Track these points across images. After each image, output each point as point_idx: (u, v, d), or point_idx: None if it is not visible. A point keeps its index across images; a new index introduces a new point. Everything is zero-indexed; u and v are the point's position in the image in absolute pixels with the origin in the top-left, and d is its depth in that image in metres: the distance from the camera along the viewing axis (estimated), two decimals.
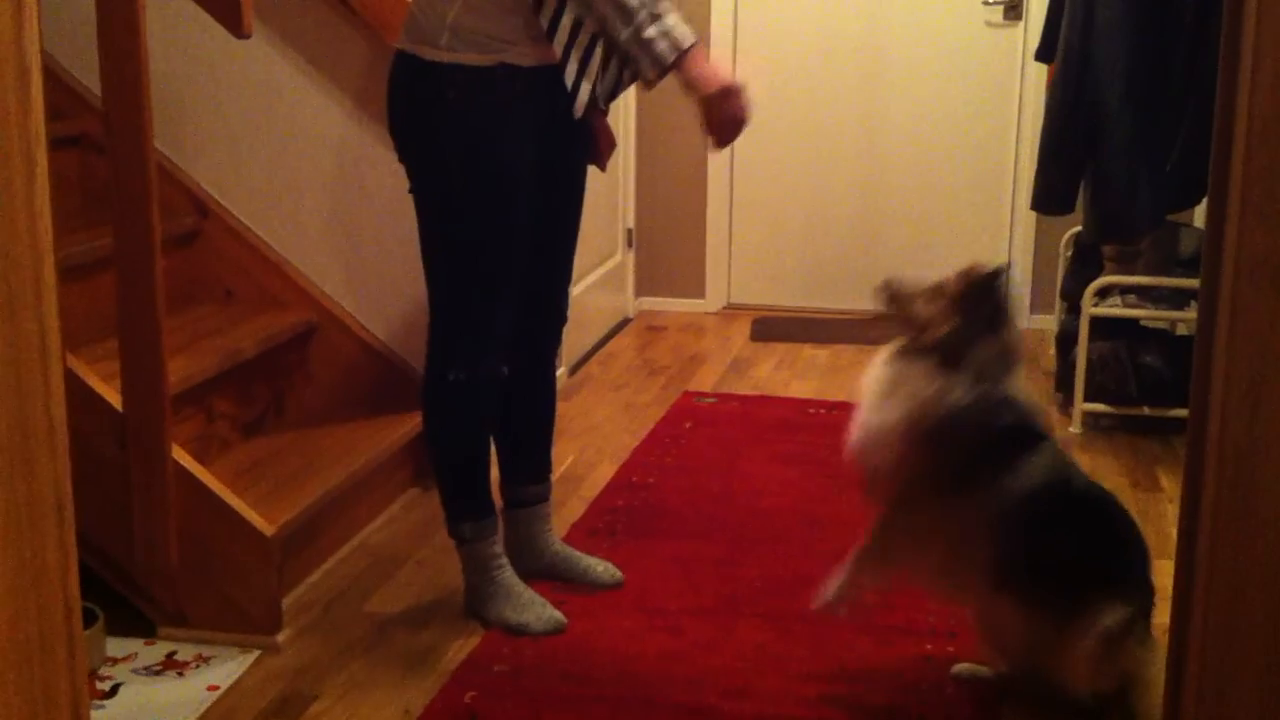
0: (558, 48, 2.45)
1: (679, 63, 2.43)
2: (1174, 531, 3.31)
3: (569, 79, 2.47)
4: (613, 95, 2.70)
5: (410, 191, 2.60)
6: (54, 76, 3.35)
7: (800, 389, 4.52)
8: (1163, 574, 2.98)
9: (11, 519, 1.23)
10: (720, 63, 5.38)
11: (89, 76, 3.27)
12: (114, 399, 2.59)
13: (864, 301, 6.35)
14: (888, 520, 2.35)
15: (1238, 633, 1.42)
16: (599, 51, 2.47)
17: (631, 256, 5.53)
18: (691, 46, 2.44)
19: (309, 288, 3.49)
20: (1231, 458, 1.37)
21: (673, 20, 2.43)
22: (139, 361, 2.54)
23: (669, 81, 2.50)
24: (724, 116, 2.49)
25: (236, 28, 2.61)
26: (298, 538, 2.82)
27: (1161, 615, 2.72)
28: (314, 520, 2.89)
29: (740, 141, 2.61)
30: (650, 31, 2.40)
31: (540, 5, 2.43)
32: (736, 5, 5.38)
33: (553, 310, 2.85)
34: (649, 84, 2.50)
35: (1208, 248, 1.42)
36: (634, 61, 2.46)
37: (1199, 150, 3.65)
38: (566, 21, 2.43)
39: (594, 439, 3.94)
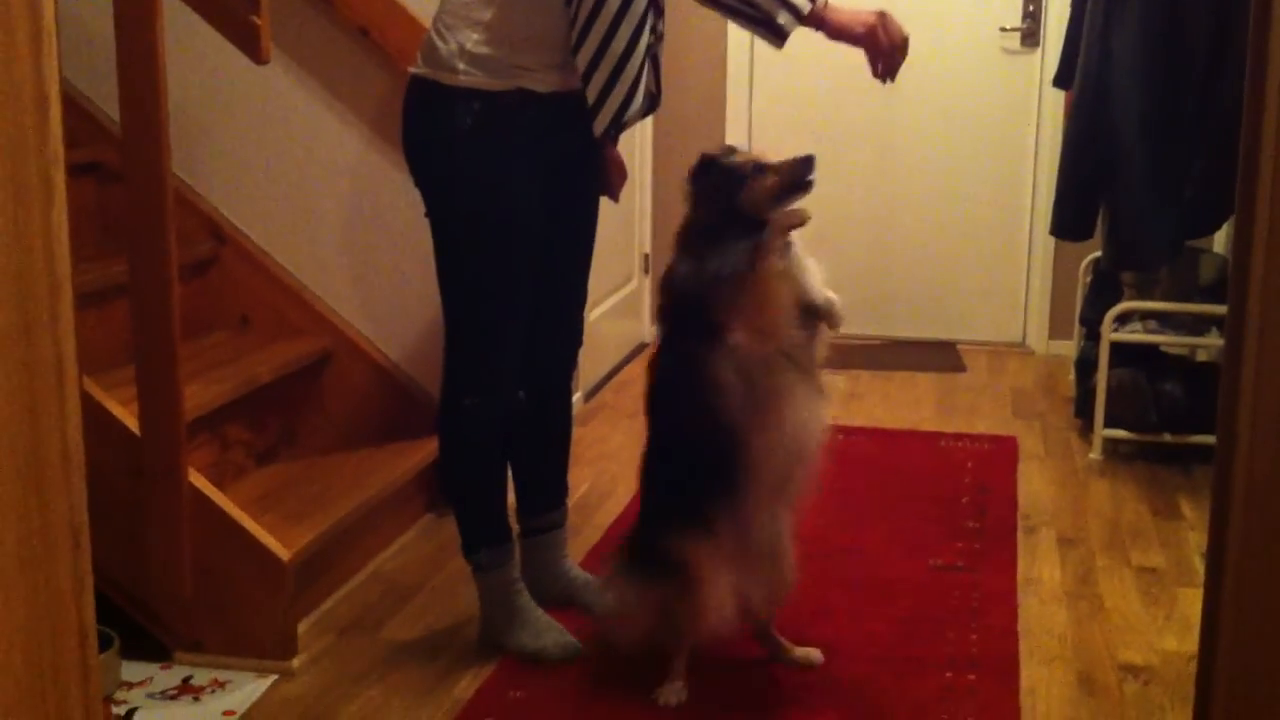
0: (581, 63, 2.44)
1: (816, 10, 2.45)
2: (1196, 559, 3.29)
3: (591, 94, 2.46)
4: (621, 126, 2.67)
5: (426, 216, 2.60)
6: (73, 103, 3.37)
7: None
8: (1187, 602, 2.98)
9: (26, 544, 1.22)
10: (740, 83, 5.38)
11: (108, 104, 3.28)
12: (130, 425, 2.59)
13: (881, 327, 6.22)
14: None
15: (1266, 661, 1.40)
16: (628, 70, 2.46)
17: (648, 282, 5.52)
18: None
19: (325, 314, 3.49)
20: (1260, 485, 1.35)
21: None
22: (155, 388, 2.54)
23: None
24: (886, 47, 2.50)
25: (255, 54, 2.62)
26: (312, 564, 2.81)
27: (1189, 644, 2.71)
28: (328, 547, 2.89)
29: None
30: None
31: (574, 20, 2.42)
32: (753, 36, 5.37)
33: (568, 335, 2.84)
34: (783, 38, 2.49)
35: (1234, 273, 1.40)
36: (768, 16, 2.48)
37: (1217, 177, 3.63)
38: (594, 38, 2.42)
39: (609, 466, 3.93)
